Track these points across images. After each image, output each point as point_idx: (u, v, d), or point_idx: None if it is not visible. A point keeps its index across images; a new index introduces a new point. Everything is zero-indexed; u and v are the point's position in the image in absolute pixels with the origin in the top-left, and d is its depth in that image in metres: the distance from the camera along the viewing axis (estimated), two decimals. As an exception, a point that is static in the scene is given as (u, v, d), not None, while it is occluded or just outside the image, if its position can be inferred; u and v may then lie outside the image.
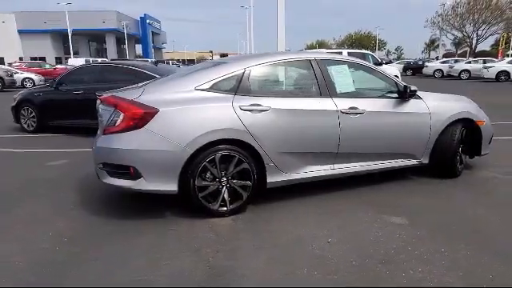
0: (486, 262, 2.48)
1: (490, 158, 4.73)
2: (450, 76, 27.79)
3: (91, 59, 31.31)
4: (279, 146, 3.36)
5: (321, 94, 3.61)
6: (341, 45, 79.93)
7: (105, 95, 3.37)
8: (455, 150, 4.15)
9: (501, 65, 23.79)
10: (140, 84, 3.84)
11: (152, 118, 3.01)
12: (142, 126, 3.01)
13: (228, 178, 3.24)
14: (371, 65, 4.13)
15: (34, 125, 7.53)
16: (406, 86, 3.89)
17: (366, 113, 3.67)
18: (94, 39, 66.11)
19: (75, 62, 29.41)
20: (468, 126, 4.25)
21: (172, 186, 3.11)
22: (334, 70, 3.77)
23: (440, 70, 29.47)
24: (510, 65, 23.14)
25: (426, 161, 4.13)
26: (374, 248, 2.68)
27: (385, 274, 2.35)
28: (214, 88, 3.29)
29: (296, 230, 3.01)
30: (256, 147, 3.27)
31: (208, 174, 3.18)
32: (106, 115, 3.24)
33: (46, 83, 10.35)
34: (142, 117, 3.01)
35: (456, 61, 31.23)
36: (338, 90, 3.68)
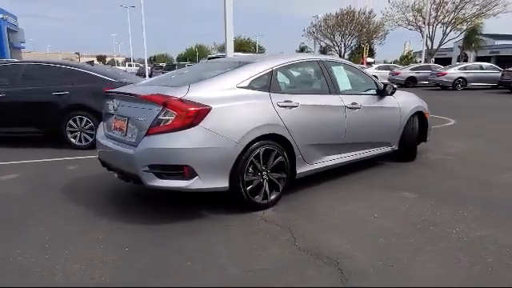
0: (481, 210, 3.24)
1: (428, 144, 5.84)
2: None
3: None
4: (305, 138, 3.68)
5: (329, 92, 4.05)
6: (221, 50, 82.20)
7: (143, 93, 3.17)
8: (415, 137, 5.07)
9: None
10: (162, 81, 3.75)
11: (205, 115, 3.01)
12: (197, 123, 2.98)
13: (267, 171, 3.41)
14: (357, 66, 4.74)
15: None
16: (385, 85, 4.61)
17: (362, 108, 4.25)
18: None
19: None
20: (420, 117, 5.22)
21: (224, 183, 3.14)
22: (334, 70, 4.25)
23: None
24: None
25: (396, 147, 4.94)
26: (413, 215, 3.23)
27: (440, 232, 2.90)
28: (252, 86, 3.43)
29: (342, 209, 3.38)
30: (290, 140, 3.52)
31: (252, 169, 3.30)
32: (145, 114, 3.06)
33: None
34: (196, 115, 2.98)
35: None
36: (340, 88, 4.17)
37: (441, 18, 32.81)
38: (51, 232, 3.00)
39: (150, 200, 3.73)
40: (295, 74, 4.03)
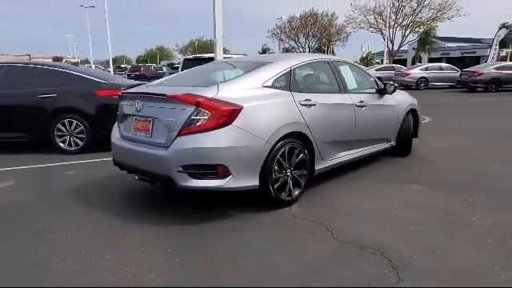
0: (487, 199, 3.51)
1: (415, 140, 6.15)
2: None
3: None
4: (323, 136, 3.80)
5: (339, 91, 4.20)
6: (184, 51, 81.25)
7: (171, 93, 3.13)
8: (411, 133, 5.36)
9: None
10: (181, 81, 3.73)
11: (238, 114, 3.04)
12: (230, 123, 3.01)
13: (291, 168, 3.49)
14: (360, 66, 4.94)
15: None
16: (385, 84, 4.83)
17: (367, 106, 4.44)
18: None
19: None
20: (413, 114, 5.52)
21: (254, 182, 3.19)
22: (342, 70, 4.41)
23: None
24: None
25: (394, 143, 5.19)
26: (430, 206, 3.44)
27: (461, 219, 3.12)
28: (275, 85, 3.50)
29: (361, 203, 3.53)
30: (310, 138, 3.63)
31: (277, 167, 3.37)
32: (175, 115, 3.04)
33: None
34: (230, 114, 3.01)
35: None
36: (348, 87, 4.34)
37: (400, 21, 34.45)
38: (81, 238, 2.90)
39: (166, 200, 3.73)
40: (310, 73, 4.14)
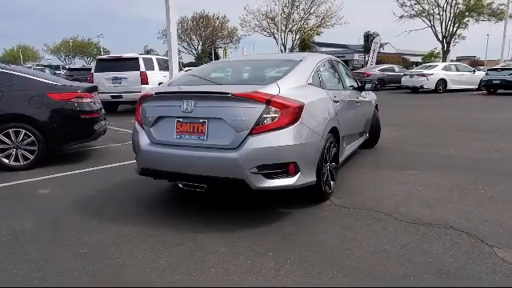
0: (474, 176, 4.26)
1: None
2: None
3: None
4: (344, 130, 4.04)
5: (343, 88, 4.50)
6: (56, 51, 73.35)
7: (237, 91, 2.95)
8: (379, 126, 6.00)
9: None
10: (218, 79, 3.54)
11: (303, 111, 3.06)
12: (298, 119, 3.01)
13: (329, 162, 3.65)
14: (344, 65, 5.32)
15: None
16: (364, 82, 5.33)
17: (360, 101, 4.86)
18: None
19: None
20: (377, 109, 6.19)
21: (314, 177, 3.25)
22: (340, 68, 4.72)
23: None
24: None
25: (367, 136, 5.74)
26: (441, 185, 3.97)
27: (478, 191, 3.70)
28: (313, 83, 3.61)
29: (386, 188, 3.87)
30: (340, 133, 3.84)
31: (323, 162, 3.49)
32: (243, 114, 2.91)
33: None
34: (298, 111, 3.01)
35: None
36: (347, 84, 4.68)
37: (290, 26, 37.13)
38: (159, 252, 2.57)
39: (200, 207, 3.49)
40: (326, 71, 4.32)
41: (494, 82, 16.29)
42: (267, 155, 2.90)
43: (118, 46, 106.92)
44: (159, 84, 12.43)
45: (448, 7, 32.66)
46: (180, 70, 15.39)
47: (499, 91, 16.58)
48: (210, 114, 3.02)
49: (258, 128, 2.89)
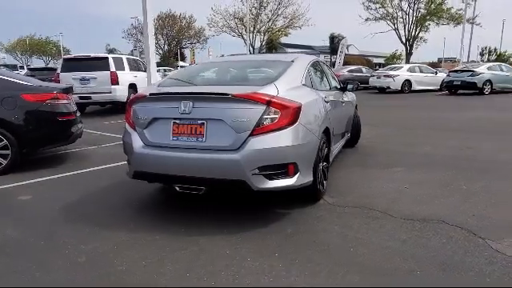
0: (454, 172, 4.48)
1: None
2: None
3: None
4: (334, 130, 4.12)
5: (330, 88, 4.58)
6: (11, 50, 69.61)
7: (237, 92, 2.92)
8: (360, 126, 6.15)
9: None
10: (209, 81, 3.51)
11: (300, 112, 3.09)
12: (297, 120, 3.04)
13: (322, 162, 3.70)
14: (328, 65, 5.40)
15: None
16: (346, 82, 5.45)
17: (344, 102, 4.97)
18: None
19: None
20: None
21: (311, 177, 3.29)
22: (324, 69, 4.80)
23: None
24: None
25: (349, 136, 5.88)
26: (427, 181, 4.14)
27: (461, 187, 3.88)
28: (306, 83, 3.65)
29: (377, 186, 3.99)
30: (331, 132, 3.91)
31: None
32: (243, 115, 2.89)
33: None
34: (297, 112, 3.03)
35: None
36: (333, 85, 4.76)
37: (258, 27, 37.31)
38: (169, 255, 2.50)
39: (198, 210, 3.44)
40: (315, 72, 4.36)
41: (454, 83, 17.19)
42: (268, 156, 2.90)
43: (79, 44, 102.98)
44: (129, 85, 12.12)
45: (410, 11, 34.21)
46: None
47: (459, 92, 17.52)
48: (209, 115, 2.98)
49: (259, 129, 2.89)
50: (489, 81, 16.65)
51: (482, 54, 46.00)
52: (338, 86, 5.32)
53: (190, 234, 2.92)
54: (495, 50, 46.86)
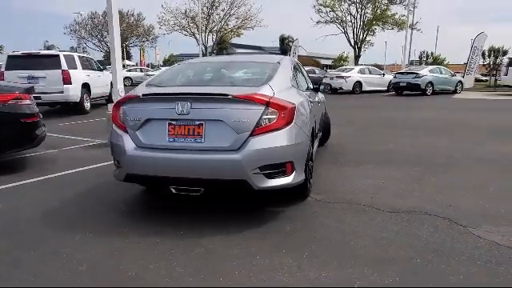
0: (433, 168, 4.85)
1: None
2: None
3: None
4: (316, 129, 4.26)
5: (308, 88, 4.73)
6: None
7: (238, 93, 2.93)
8: (330, 125, 6.40)
9: None
10: (201, 81, 3.56)
11: (295, 112, 3.17)
12: (293, 120, 3.12)
13: (309, 160, 3.83)
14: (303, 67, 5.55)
15: None
16: (319, 83, 5.65)
17: (319, 102, 5.16)
18: None
19: None
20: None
21: (303, 175, 3.38)
22: (302, 70, 4.94)
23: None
24: None
25: (321, 135, 6.10)
26: (401, 177, 4.43)
27: (432, 181, 4.21)
28: (293, 84, 3.75)
29: (355, 183, 4.20)
30: (316, 132, 4.05)
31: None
32: (243, 115, 2.91)
33: None
34: (293, 112, 3.11)
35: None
36: (310, 86, 4.92)
37: (210, 27, 37.07)
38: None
39: (196, 212, 3.42)
40: (296, 73, 4.46)
41: (401, 84, 18.38)
42: (268, 155, 2.95)
43: (14, 42, 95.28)
44: (83, 84, 11.48)
45: (358, 15, 35.96)
46: (104, 69, 14.38)
47: (405, 92, 18.77)
48: (207, 115, 2.96)
49: (258, 129, 2.93)
50: (430, 82, 18.02)
51: (420, 58, 49.58)
52: (312, 87, 5.52)
53: (189, 236, 2.89)
54: (432, 54, 50.69)
